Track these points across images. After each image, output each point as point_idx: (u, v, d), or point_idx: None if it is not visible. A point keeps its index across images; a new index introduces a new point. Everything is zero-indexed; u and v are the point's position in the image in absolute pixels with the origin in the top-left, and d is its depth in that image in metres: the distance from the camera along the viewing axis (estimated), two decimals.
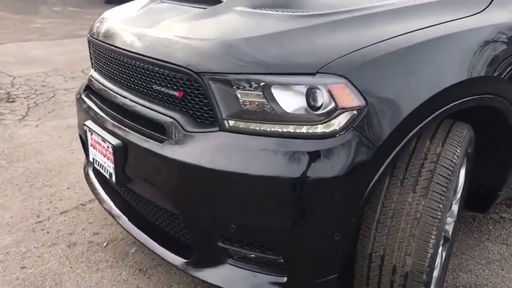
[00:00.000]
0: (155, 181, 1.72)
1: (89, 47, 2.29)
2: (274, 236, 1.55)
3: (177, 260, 1.78)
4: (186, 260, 1.75)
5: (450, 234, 2.08)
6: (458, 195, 2.01)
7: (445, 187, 1.61)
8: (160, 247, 1.87)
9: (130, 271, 2.23)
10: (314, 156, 1.48)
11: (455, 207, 2.06)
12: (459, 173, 1.75)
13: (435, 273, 1.89)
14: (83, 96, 2.24)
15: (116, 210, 2.13)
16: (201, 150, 1.57)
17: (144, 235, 1.94)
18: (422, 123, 1.59)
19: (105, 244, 2.42)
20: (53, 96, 4.84)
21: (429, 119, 1.60)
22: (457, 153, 1.68)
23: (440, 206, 1.60)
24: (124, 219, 2.06)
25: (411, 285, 1.64)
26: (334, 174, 1.47)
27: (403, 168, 1.67)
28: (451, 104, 1.65)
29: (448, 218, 2.01)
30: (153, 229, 1.96)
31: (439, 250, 1.88)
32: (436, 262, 1.88)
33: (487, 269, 2.30)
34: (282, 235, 1.54)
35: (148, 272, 2.22)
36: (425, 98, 1.56)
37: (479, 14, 1.80)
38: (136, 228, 1.99)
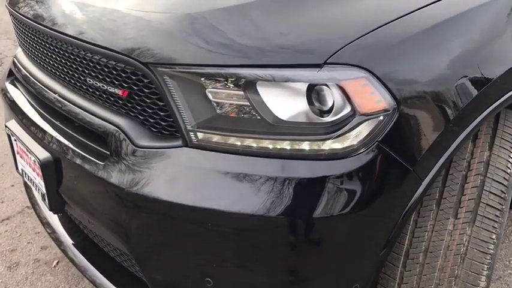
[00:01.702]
0: (97, 213, 1.24)
1: (11, 19, 1.73)
2: None
3: None
4: None
5: None
6: None
7: (499, 210, 1.18)
8: (107, 281, 1.42)
9: None
10: (321, 185, 1.01)
11: None
12: None
13: None
14: (6, 85, 1.70)
15: (60, 232, 1.66)
16: (157, 174, 1.09)
17: (87, 262, 1.48)
18: (475, 123, 1.13)
19: (54, 263, 1.96)
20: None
21: (483, 115, 1.14)
22: (511, 159, 1.24)
23: (493, 236, 1.17)
24: (69, 247, 1.59)
25: None
26: (348, 210, 1.01)
27: (440, 183, 1.22)
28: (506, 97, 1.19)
29: None
30: (105, 262, 1.50)
31: None
32: None
33: None
34: None
35: None
36: (480, 88, 1.09)
37: None
38: (84, 260, 1.52)
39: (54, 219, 1.72)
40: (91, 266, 1.49)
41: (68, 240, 1.62)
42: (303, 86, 1.01)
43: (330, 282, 1.09)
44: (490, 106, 1.13)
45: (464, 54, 1.10)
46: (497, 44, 1.13)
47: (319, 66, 0.97)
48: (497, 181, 1.20)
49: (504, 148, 1.25)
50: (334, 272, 1.08)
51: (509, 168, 1.21)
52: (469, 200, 1.19)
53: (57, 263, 1.96)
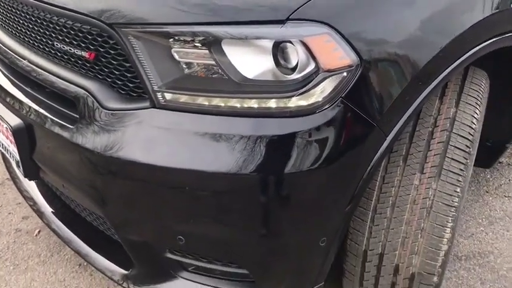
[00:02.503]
0: (70, 177, 1.25)
1: None
2: (235, 248, 1.14)
3: (114, 270, 1.36)
4: (125, 272, 1.34)
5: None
6: None
7: (463, 164, 1.21)
8: (87, 246, 1.44)
9: (67, 267, 1.82)
10: (287, 142, 1.03)
11: None
12: (479, 136, 1.34)
13: None
14: None
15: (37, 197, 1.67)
16: (126, 136, 1.10)
17: (71, 233, 1.50)
18: (439, 79, 1.14)
19: (36, 232, 1.98)
20: None
21: (447, 71, 1.15)
22: (476, 115, 1.26)
23: (458, 189, 1.20)
24: (46, 211, 1.61)
25: None
26: (317, 166, 1.03)
27: (407, 139, 1.25)
28: (476, 48, 1.20)
29: None
30: (83, 227, 1.52)
31: None
32: None
33: (490, 232, 1.98)
34: (245, 247, 1.13)
35: (91, 267, 1.82)
36: (445, 42, 1.10)
37: None
38: (60, 224, 1.54)
39: (34, 190, 1.73)
40: (75, 236, 1.50)
41: (48, 210, 1.64)
42: (269, 44, 1.01)
43: (299, 236, 1.12)
44: (453, 63, 1.15)
45: (429, 11, 1.10)
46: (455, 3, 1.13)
47: (282, 22, 0.98)
48: (462, 136, 1.22)
49: (470, 104, 1.27)
50: (302, 226, 1.11)
51: (474, 123, 1.24)
52: (435, 155, 1.22)
53: (39, 232, 1.98)
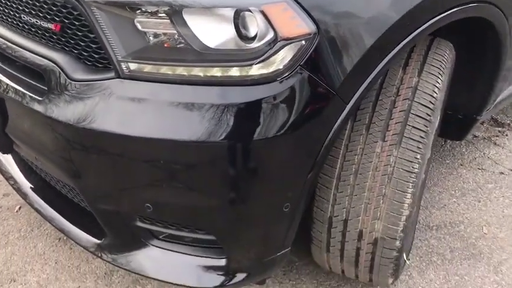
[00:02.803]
0: (41, 149, 1.28)
1: None
2: (202, 214, 1.17)
3: (88, 240, 1.40)
4: (98, 241, 1.37)
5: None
6: None
7: (424, 131, 1.25)
8: (65, 221, 1.47)
9: (47, 241, 1.85)
10: (249, 110, 1.06)
11: None
12: (441, 106, 1.37)
13: None
14: None
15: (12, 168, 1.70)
16: (92, 106, 1.12)
17: (53, 211, 1.53)
18: (398, 48, 1.17)
19: (17, 208, 2.01)
20: None
21: (406, 41, 1.18)
22: (438, 84, 1.29)
23: (418, 156, 1.24)
24: (29, 192, 1.63)
25: (382, 253, 1.33)
26: (278, 133, 1.07)
27: (370, 109, 1.28)
28: (436, 18, 1.22)
29: None
30: (62, 202, 1.55)
31: None
32: None
33: (462, 202, 2.04)
34: (211, 213, 1.16)
35: (70, 241, 1.85)
36: (402, 12, 1.13)
37: None
38: (42, 202, 1.57)
39: (15, 169, 1.74)
40: (58, 214, 1.53)
41: (30, 190, 1.65)
42: (229, 13, 1.04)
43: (262, 201, 1.16)
44: (412, 32, 1.17)
45: None
46: None
47: None
48: (423, 105, 1.26)
49: (432, 74, 1.30)
50: (266, 192, 1.15)
51: (435, 92, 1.27)
52: (396, 123, 1.25)
53: (20, 208, 2.01)
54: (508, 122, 2.64)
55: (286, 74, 1.05)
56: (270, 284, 1.65)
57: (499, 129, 2.58)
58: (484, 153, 2.36)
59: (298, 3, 1.02)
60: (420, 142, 1.24)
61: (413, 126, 1.24)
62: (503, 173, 2.22)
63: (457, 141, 2.34)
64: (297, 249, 1.47)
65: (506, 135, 2.52)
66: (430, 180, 2.17)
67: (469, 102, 1.84)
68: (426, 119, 1.25)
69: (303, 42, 1.04)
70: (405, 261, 1.61)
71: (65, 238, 1.85)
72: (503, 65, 1.66)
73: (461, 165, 2.28)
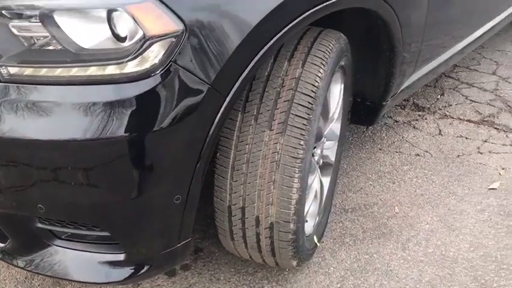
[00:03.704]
0: None
1: None
2: (92, 211, 1.21)
3: None
4: (2, 245, 1.39)
5: (333, 158, 1.85)
6: (336, 114, 1.75)
7: (306, 119, 1.32)
8: None
9: None
10: (127, 105, 1.10)
11: (336, 127, 1.81)
12: (325, 95, 1.44)
13: (313, 208, 1.67)
14: None
15: None
16: None
17: None
18: (273, 40, 1.24)
19: None
20: None
21: (281, 33, 1.25)
22: (320, 74, 1.36)
23: (302, 142, 1.31)
24: None
25: (279, 237, 1.40)
26: (157, 127, 1.11)
27: (258, 100, 1.34)
28: (312, 10, 1.29)
29: (327, 142, 1.76)
30: None
31: (315, 183, 1.65)
32: (313, 195, 1.66)
33: (378, 185, 2.14)
34: (101, 210, 1.20)
35: None
36: (273, 5, 1.19)
37: None
38: None
39: None
40: None
41: None
42: (101, 13, 1.07)
43: (152, 195, 1.20)
44: (287, 25, 1.24)
45: None
46: None
47: None
48: (305, 94, 1.33)
49: (315, 64, 1.37)
50: (154, 185, 1.19)
51: (317, 81, 1.34)
52: (281, 112, 1.32)
53: None
54: (428, 106, 2.77)
55: (160, 70, 1.10)
56: (188, 276, 1.70)
57: (419, 113, 2.70)
58: (402, 137, 2.48)
59: (164, 2, 1.06)
60: (303, 129, 1.31)
61: (296, 115, 1.31)
62: (418, 155, 2.33)
63: (368, 126, 2.45)
64: (217, 240, 1.53)
65: (426, 118, 2.65)
66: (349, 165, 2.27)
67: (374, 89, 1.94)
68: (308, 107, 1.32)
69: (173, 39, 1.09)
70: (316, 244, 1.70)
71: None
72: (399, 53, 1.76)
73: (380, 149, 2.39)
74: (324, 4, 1.31)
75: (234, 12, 1.15)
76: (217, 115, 1.19)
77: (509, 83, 2.97)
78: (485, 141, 2.42)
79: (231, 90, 1.19)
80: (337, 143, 1.86)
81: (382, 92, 1.94)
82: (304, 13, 1.27)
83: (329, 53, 1.42)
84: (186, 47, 1.10)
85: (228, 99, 1.19)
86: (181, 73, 1.11)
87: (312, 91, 1.33)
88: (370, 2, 1.50)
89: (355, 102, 2.04)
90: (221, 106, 1.19)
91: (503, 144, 2.39)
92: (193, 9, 1.10)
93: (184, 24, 1.08)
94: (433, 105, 2.76)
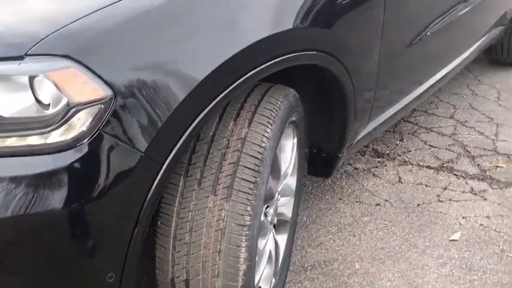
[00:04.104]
0: None
1: None
2: None
3: None
4: None
5: (290, 214, 1.77)
6: (291, 169, 1.68)
7: (253, 183, 1.24)
8: None
9: None
10: (49, 179, 1.00)
11: (291, 181, 1.74)
12: (275, 154, 1.37)
13: (268, 271, 1.57)
14: None
15: None
16: None
17: None
18: (214, 102, 1.17)
19: None
20: None
21: (227, 92, 1.18)
22: (267, 134, 1.30)
23: (248, 208, 1.23)
24: None
25: None
26: (83, 201, 1.01)
27: (201, 163, 1.26)
28: (252, 72, 1.23)
29: (282, 199, 1.68)
30: None
31: (269, 245, 1.55)
32: (269, 255, 1.56)
33: (338, 238, 2.06)
34: None
35: None
36: (210, 68, 1.13)
37: None
38: None
39: None
40: None
41: None
42: (23, 80, 0.98)
43: (82, 275, 1.09)
44: (233, 84, 1.18)
45: (189, 36, 1.12)
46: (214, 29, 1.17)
47: (20, 58, 0.95)
48: (251, 155, 1.25)
49: (262, 124, 1.30)
50: (85, 264, 1.08)
51: (264, 142, 1.28)
52: (226, 176, 1.23)
53: None
54: (388, 152, 2.74)
55: (87, 140, 1.00)
56: None
57: (379, 159, 2.67)
58: (362, 186, 2.42)
59: (89, 68, 0.98)
60: (250, 194, 1.23)
61: (242, 178, 1.23)
62: (379, 204, 2.28)
63: (326, 178, 2.39)
64: None
65: (385, 165, 2.61)
66: (309, 217, 2.18)
67: (329, 141, 1.89)
68: (255, 170, 1.24)
69: (101, 106, 1.00)
70: None
71: None
72: (351, 106, 1.72)
73: (340, 199, 2.32)
74: (274, 61, 1.26)
75: (171, 74, 1.08)
76: (153, 184, 1.10)
77: (467, 127, 2.99)
78: (445, 189, 2.39)
79: (167, 157, 1.10)
80: (293, 198, 1.79)
81: (337, 144, 1.88)
82: (251, 71, 1.22)
83: (277, 111, 1.35)
84: (116, 113, 1.01)
85: (165, 166, 1.10)
86: (110, 142, 1.02)
87: (259, 152, 1.26)
88: (320, 59, 1.46)
89: (311, 153, 1.98)
90: (157, 174, 1.10)
91: (463, 192, 2.36)
92: (123, 74, 1.02)
93: (113, 89, 1.00)
94: (392, 151, 2.73)
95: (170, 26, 1.09)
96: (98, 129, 1.01)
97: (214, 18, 1.16)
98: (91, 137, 1.00)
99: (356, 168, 2.57)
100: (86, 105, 0.99)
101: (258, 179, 1.24)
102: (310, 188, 2.40)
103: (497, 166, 2.57)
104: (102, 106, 1.00)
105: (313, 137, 1.89)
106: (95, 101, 0.99)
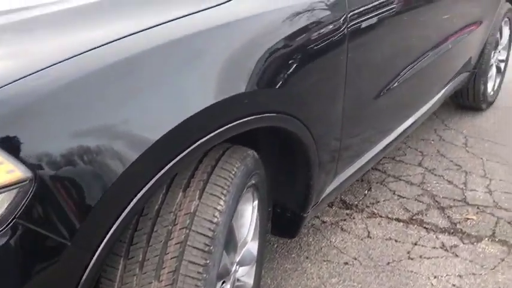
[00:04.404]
0: None
1: None
2: None
3: None
4: None
5: (252, 281, 1.63)
6: (251, 235, 1.55)
7: (202, 266, 1.09)
8: None
9: None
10: None
11: (252, 247, 1.60)
12: (226, 229, 1.22)
13: None
14: None
15: None
16: None
17: None
18: (160, 173, 1.04)
19: None
20: None
21: (171, 164, 1.05)
22: (220, 206, 1.16)
23: None
24: None
25: None
26: None
27: (144, 243, 1.11)
28: (205, 138, 1.11)
29: (242, 269, 1.54)
30: None
31: None
32: None
33: None
34: None
35: None
36: (156, 137, 1.00)
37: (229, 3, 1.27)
38: None
39: None
40: None
41: None
42: None
43: None
44: (183, 151, 1.05)
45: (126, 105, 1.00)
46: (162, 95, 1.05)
47: None
48: (201, 233, 1.11)
49: (214, 195, 1.17)
50: None
51: (216, 216, 1.14)
52: (171, 258, 1.09)
53: None
54: (356, 203, 2.64)
55: (1, 229, 0.85)
56: None
57: (347, 211, 2.56)
58: (330, 242, 2.30)
59: (3, 147, 0.84)
60: (198, 279, 1.08)
61: (190, 261, 1.09)
62: (347, 263, 2.15)
63: (290, 238, 2.26)
64: None
65: (354, 218, 2.50)
66: (274, 279, 2.04)
67: (293, 201, 1.77)
68: (204, 250, 1.10)
69: (18, 190, 0.86)
70: None
71: None
72: (315, 165, 1.62)
73: (307, 257, 2.18)
74: (232, 124, 1.14)
75: (108, 145, 0.94)
76: (84, 273, 0.95)
77: (435, 175, 2.93)
78: (415, 244, 2.28)
79: (103, 240, 0.95)
80: (255, 264, 1.65)
81: (302, 203, 1.77)
82: (203, 138, 1.09)
83: (232, 178, 1.23)
84: (36, 198, 0.87)
85: (98, 251, 0.95)
86: (29, 231, 0.87)
87: (210, 229, 1.12)
88: (277, 120, 1.36)
89: (275, 213, 1.85)
90: (89, 263, 0.95)
91: (434, 247, 2.26)
92: (48, 151, 0.88)
93: (33, 172, 0.86)
94: (360, 202, 2.63)
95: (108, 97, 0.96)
96: (14, 217, 0.86)
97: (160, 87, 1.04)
98: (6, 226, 0.85)
99: (324, 222, 2.45)
100: (2, 190, 0.84)
101: (208, 261, 1.10)
102: (275, 246, 2.26)
103: (468, 218, 2.49)
104: (19, 190, 0.86)
105: (277, 195, 1.77)
106: (11, 184, 0.85)
